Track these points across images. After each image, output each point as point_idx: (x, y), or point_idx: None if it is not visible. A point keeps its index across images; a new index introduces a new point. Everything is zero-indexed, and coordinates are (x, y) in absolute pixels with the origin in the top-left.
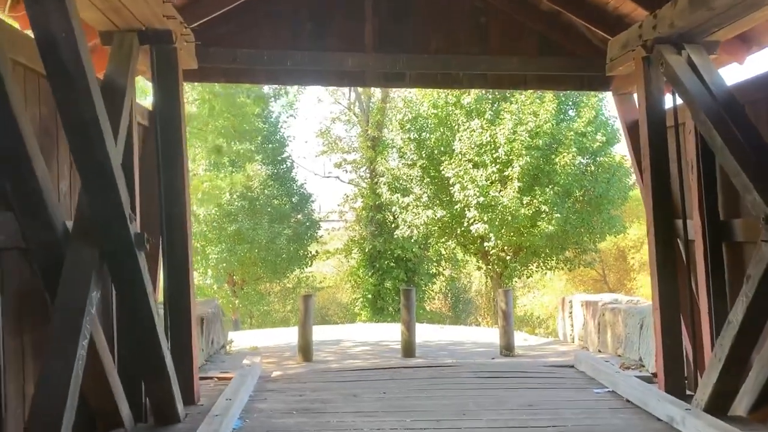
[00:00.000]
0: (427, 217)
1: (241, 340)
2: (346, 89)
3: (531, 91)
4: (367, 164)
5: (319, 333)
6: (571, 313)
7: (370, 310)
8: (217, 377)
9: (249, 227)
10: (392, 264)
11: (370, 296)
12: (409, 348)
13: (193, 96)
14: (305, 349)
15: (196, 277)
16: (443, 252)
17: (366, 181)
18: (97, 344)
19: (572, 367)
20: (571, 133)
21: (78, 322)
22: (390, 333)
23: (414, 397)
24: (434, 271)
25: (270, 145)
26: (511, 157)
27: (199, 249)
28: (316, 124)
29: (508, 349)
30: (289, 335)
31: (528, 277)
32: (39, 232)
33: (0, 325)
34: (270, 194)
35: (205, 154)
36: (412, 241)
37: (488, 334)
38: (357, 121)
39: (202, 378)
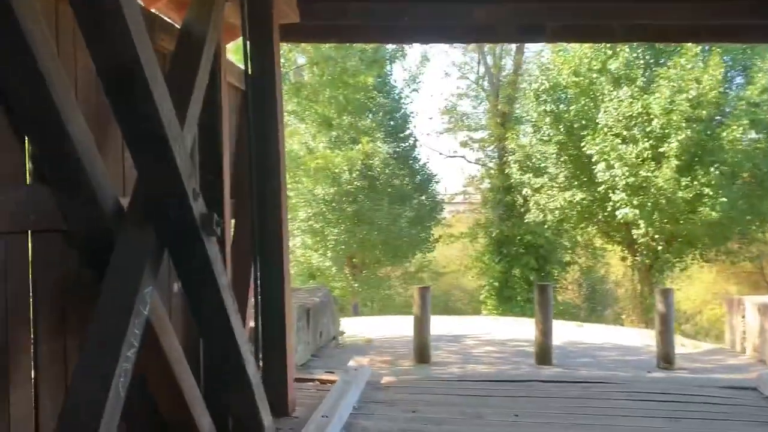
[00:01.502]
0: (564, 200)
1: (356, 328)
2: (474, 63)
3: (693, 53)
4: (496, 142)
5: (439, 325)
6: (743, 317)
7: (496, 299)
8: (319, 380)
9: (369, 208)
10: (521, 250)
11: (496, 284)
12: (544, 354)
13: (296, 59)
14: (421, 350)
15: (316, 259)
16: (579, 239)
17: (494, 160)
18: (165, 348)
19: (755, 389)
20: (742, 102)
21: (121, 326)
22: (520, 330)
23: (555, 424)
24: (568, 259)
25: (392, 122)
26: (667, 131)
27: (318, 230)
28: (441, 100)
29: (666, 360)
30: (408, 325)
31: (682, 270)
32: (79, 209)
33: (32, 324)
34: (391, 174)
35: (314, 126)
36: (545, 226)
37: (636, 337)
38: (485, 97)
39: (301, 380)
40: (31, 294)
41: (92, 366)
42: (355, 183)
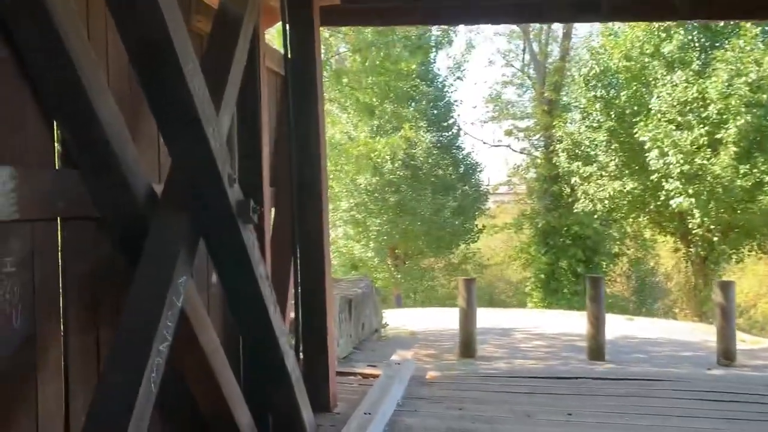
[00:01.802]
0: (614, 189)
1: (399, 320)
2: (519, 50)
3: (753, 34)
4: (542, 131)
5: (485, 318)
6: None
7: (542, 292)
8: (362, 374)
9: (411, 198)
10: (568, 241)
11: (542, 276)
12: (596, 349)
13: (337, 47)
14: (467, 344)
15: (358, 250)
16: (628, 230)
17: (540, 149)
18: (202, 341)
19: None
20: None
21: (153, 317)
22: (569, 324)
23: (610, 425)
24: (616, 250)
25: (435, 110)
26: (725, 117)
27: (360, 220)
28: (485, 88)
29: (727, 357)
30: (452, 318)
31: (738, 262)
32: (109, 195)
33: (62, 316)
34: (434, 163)
35: (356, 115)
36: (594, 216)
37: (690, 331)
38: (531, 84)
39: (343, 374)
40: (60, 284)
41: (122, 360)
42: (398, 173)
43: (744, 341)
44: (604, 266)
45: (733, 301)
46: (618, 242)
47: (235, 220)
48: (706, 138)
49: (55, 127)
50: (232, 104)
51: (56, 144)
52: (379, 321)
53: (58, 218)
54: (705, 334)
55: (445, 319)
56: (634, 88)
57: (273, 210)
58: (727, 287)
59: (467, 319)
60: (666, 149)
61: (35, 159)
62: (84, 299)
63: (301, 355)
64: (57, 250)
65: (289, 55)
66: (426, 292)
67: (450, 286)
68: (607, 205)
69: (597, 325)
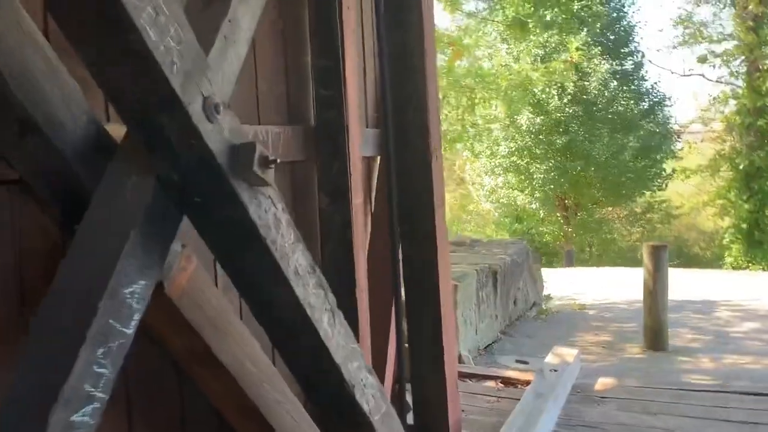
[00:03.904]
0: None
1: (567, 287)
2: None
3: None
4: (746, 54)
5: (678, 283)
6: None
7: (743, 244)
8: (504, 379)
9: (584, 139)
10: None
11: (744, 226)
12: None
13: None
14: (654, 333)
15: (521, 199)
16: None
17: (742, 77)
18: (225, 361)
19: None
20: None
21: (84, 312)
22: None
23: None
24: None
25: (612, 36)
26: None
27: (523, 167)
28: (673, 9)
29: None
30: (635, 281)
31: None
32: (24, 146)
33: None
34: (611, 97)
35: (502, 32)
36: None
37: None
38: (730, 1)
39: (476, 378)
40: None
41: (35, 370)
42: (567, 110)
43: None
44: None
45: None
46: None
47: (226, 179)
48: None
49: None
50: None
51: None
52: (539, 293)
53: None
54: None
55: (624, 284)
56: None
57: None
58: None
59: (655, 301)
60: None
61: None
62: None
63: (409, 375)
64: None
65: None
66: (603, 245)
67: (632, 238)
68: None
69: None
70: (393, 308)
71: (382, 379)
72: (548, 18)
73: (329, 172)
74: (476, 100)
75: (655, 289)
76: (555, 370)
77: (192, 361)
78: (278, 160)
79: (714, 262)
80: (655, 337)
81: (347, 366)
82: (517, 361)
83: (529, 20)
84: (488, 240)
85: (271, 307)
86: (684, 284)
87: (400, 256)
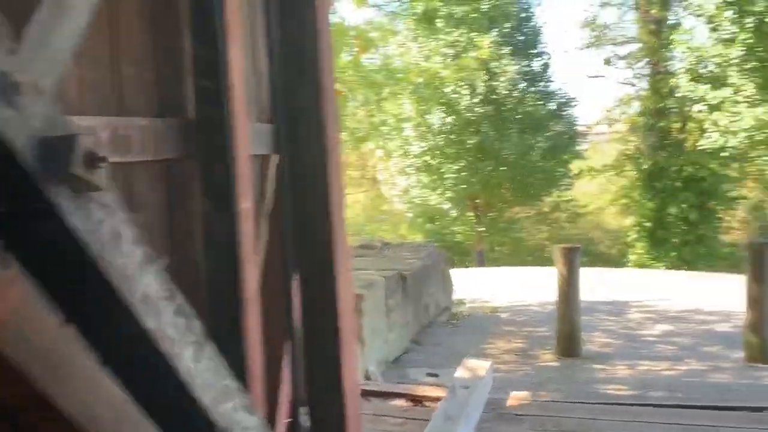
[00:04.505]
0: (755, 118)
1: (479, 289)
2: None
3: None
4: (648, 56)
5: (588, 283)
6: None
7: (647, 242)
8: (413, 397)
9: (494, 139)
10: (679, 184)
11: (648, 225)
12: (762, 349)
13: None
14: (568, 339)
15: (434, 199)
16: (750, 170)
17: (645, 79)
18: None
19: None
20: None
21: None
22: (695, 292)
23: None
24: (735, 194)
25: (520, 36)
26: None
27: (434, 167)
28: (579, 11)
29: None
30: (546, 282)
31: None
32: None
33: None
34: (520, 97)
35: (413, 29)
36: (725, 154)
37: None
38: (634, 5)
39: (384, 395)
40: None
41: None
42: (477, 110)
43: None
44: (720, 212)
45: None
46: (736, 183)
47: (37, 182)
48: None
49: None
50: None
51: None
52: (450, 297)
53: None
54: None
55: (535, 285)
56: None
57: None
58: None
59: (568, 306)
60: None
61: None
62: None
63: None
64: None
65: None
66: (513, 244)
67: (540, 237)
68: (743, 140)
69: (761, 314)
70: (287, 326)
71: (275, 405)
72: (458, 16)
73: (211, 172)
74: (383, 96)
75: (569, 293)
76: (466, 387)
77: (24, 409)
78: (107, 158)
79: (619, 260)
80: (569, 343)
81: (218, 408)
82: (428, 374)
83: (437, 17)
84: (399, 243)
85: (114, 343)
86: (593, 284)
87: (295, 267)
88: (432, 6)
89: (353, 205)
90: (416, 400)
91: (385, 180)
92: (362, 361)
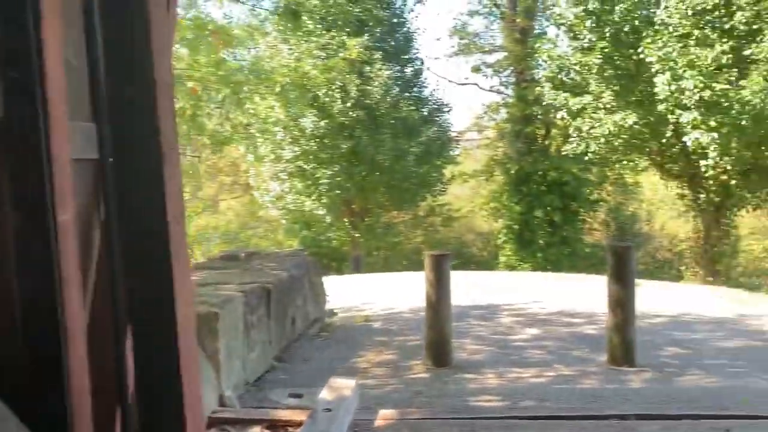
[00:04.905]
0: (614, 123)
1: (353, 297)
2: None
3: None
4: (513, 64)
5: (460, 286)
6: None
7: (515, 244)
8: (268, 426)
9: (368, 144)
10: (543, 188)
11: (515, 227)
12: (625, 351)
13: None
14: (439, 347)
15: (308, 205)
16: (609, 174)
17: (511, 86)
18: None
19: None
20: None
21: None
22: (562, 293)
23: None
24: (595, 197)
25: (392, 42)
26: (758, 26)
27: (308, 172)
28: (450, 19)
29: None
30: (420, 286)
31: (755, 209)
32: None
33: None
34: (393, 103)
35: (280, 29)
36: (586, 158)
37: (715, 300)
38: (500, 15)
39: (242, 422)
40: None
41: None
42: (351, 114)
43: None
44: (583, 213)
45: None
46: (596, 187)
47: None
48: (730, 56)
49: None
50: None
51: None
52: (321, 308)
53: None
54: (733, 303)
55: (409, 290)
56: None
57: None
58: None
59: (437, 314)
60: (679, 71)
61: None
62: None
63: None
64: None
65: None
66: (390, 249)
67: (417, 240)
68: (603, 145)
69: (625, 316)
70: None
71: None
72: (329, 18)
73: (23, 179)
74: (247, 96)
75: (438, 301)
76: (329, 410)
77: None
78: None
79: (491, 261)
80: (439, 353)
81: None
82: (291, 396)
83: (302, 12)
84: (266, 252)
85: None
86: (465, 288)
87: (127, 289)
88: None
89: (226, 211)
90: (276, 425)
91: (257, 185)
92: (217, 386)
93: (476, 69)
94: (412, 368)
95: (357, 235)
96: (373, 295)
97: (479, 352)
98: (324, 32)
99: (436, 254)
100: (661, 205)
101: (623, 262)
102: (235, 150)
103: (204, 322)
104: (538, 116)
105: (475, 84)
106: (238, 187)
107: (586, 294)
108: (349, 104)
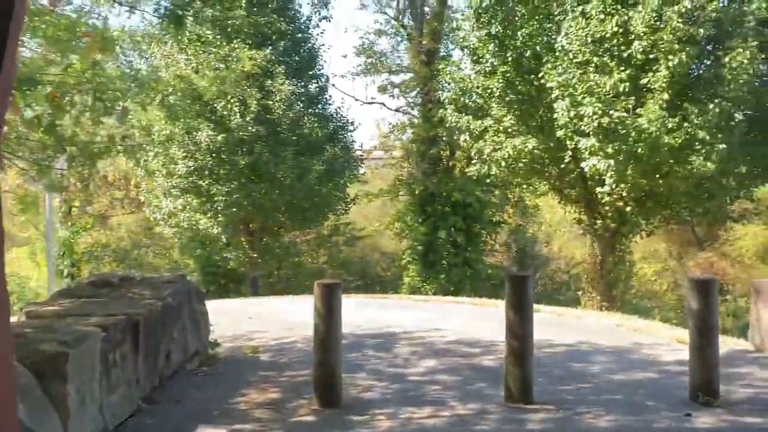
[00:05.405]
0: (515, 147)
1: (243, 324)
2: None
3: None
4: (419, 86)
5: (355, 314)
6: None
7: (419, 264)
8: None
9: (268, 161)
10: (447, 209)
11: (420, 248)
12: (523, 387)
13: None
14: (327, 385)
15: (203, 223)
16: (510, 196)
17: (418, 107)
18: None
19: None
20: (750, 18)
21: None
22: (462, 320)
23: None
24: (497, 219)
25: (296, 56)
26: (655, 55)
27: (203, 188)
28: (355, 38)
29: (709, 392)
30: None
31: (648, 235)
32: None
33: None
34: (296, 119)
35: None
36: (488, 181)
37: (614, 329)
38: (407, 35)
39: None
40: None
41: None
42: (250, 129)
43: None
44: (485, 235)
45: (715, 307)
46: (498, 209)
47: None
48: (627, 84)
49: None
50: None
51: None
52: (204, 339)
53: None
54: (630, 331)
55: (307, 315)
56: (536, 23)
57: None
58: (705, 287)
59: (327, 349)
60: (578, 97)
61: None
62: None
63: None
64: None
65: None
66: (291, 269)
67: (320, 260)
68: (504, 168)
69: (523, 349)
70: None
71: None
72: (229, 30)
73: None
74: (107, 104)
75: (327, 335)
76: None
77: None
78: None
79: (395, 282)
80: (327, 393)
81: None
82: None
83: (186, 15)
84: (142, 277)
85: None
86: (362, 312)
87: None
88: (179, 2)
89: (117, 228)
90: None
91: (149, 201)
92: None
93: (383, 89)
94: (297, 410)
95: (255, 255)
96: (265, 322)
97: (372, 388)
98: (223, 43)
99: (326, 283)
100: (559, 227)
101: (522, 292)
102: (126, 163)
103: (49, 364)
104: (443, 138)
105: (382, 104)
106: (130, 203)
107: (485, 320)
108: (248, 118)
